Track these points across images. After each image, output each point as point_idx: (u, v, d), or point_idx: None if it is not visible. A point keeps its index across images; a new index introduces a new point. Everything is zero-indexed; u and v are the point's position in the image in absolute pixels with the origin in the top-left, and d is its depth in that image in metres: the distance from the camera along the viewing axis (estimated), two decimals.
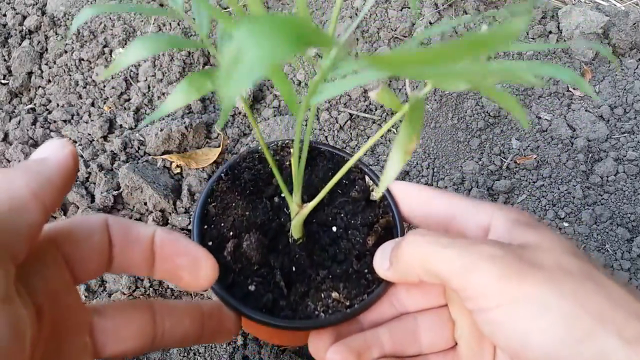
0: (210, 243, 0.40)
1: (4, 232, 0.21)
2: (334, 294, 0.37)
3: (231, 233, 0.40)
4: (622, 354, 0.24)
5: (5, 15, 0.95)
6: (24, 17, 0.94)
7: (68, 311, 0.27)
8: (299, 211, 0.38)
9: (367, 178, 0.43)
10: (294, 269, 0.40)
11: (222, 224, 0.41)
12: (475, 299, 0.28)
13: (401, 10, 0.92)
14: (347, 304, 0.37)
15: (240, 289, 0.38)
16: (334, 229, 0.42)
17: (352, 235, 0.41)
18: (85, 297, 0.72)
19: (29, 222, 0.23)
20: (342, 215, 0.42)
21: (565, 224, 0.76)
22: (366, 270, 0.39)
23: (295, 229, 0.40)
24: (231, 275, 0.38)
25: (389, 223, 0.41)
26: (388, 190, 0.40)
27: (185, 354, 0.70)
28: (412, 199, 0.38)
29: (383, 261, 0.34)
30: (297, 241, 0.41)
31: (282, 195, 0.39)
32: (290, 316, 0.36)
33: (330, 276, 0.39)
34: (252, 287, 0.38)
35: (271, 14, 0.13)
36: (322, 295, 0.38)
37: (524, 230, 0.30)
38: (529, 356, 0.26)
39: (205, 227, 0.40)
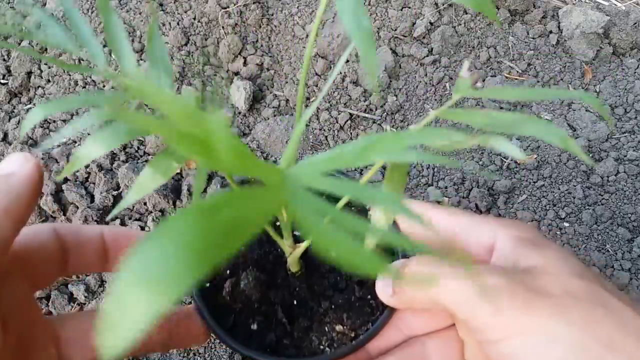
0: (207, 284, 0.39)
1: None
2: (338, 327, 0.36)
3: (228, 272, 0.39)
4: None
5: (4, 14, 0.95)
6: (24, 17, 0.94)
7: (32, 324, 0.28)
8: (292, 251, 0.37)
9: None
10: (295, 302, 0.39)
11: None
12: (482, 331, 0.27)
13: (401, 10, 0.92)
14: (352, 335, 0.36)
15: (243, 329, 0.37)
16: (333, 254, 0.40)
17: None
18: (85, 297, 0.71)
19: (0, 237, 0.24)
20: None
21: (566, 224, 0.76)
22: (369, 296, 0.38)
23: (292, 265, 0.39)
24: (232, 316, 0.38)
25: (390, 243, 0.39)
26: None
27: (185, 354, 0.70)
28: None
29: (386, 287, 0.33)
30: (295, 273, 0.40)
31: (277, 223, 0.36)
32: (295, 354, 0.36)
33: (333, 307, 0.38)
34: (254, 327, 0.37)
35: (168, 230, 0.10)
36: (326, 329, 0.37)
37: (529, 250, 0.29)
38: None
39: None
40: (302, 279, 0.39)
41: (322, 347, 0.36)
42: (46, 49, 0.91)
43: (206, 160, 0.13)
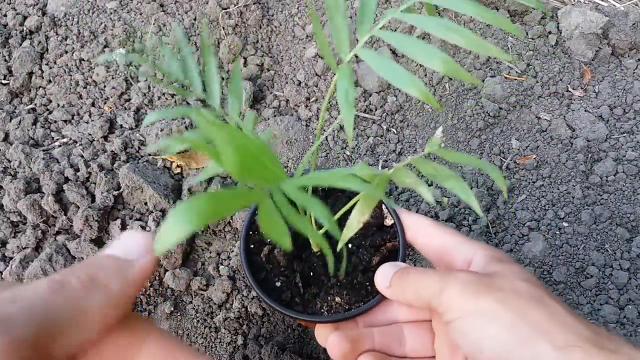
0: (252, 246, 0.50)
1: (59, 335, 0.22)
2: (337, 299, 0.47)
3: (268, 240, 0.50)
4: (552, 355, 0.30)
5: (5, 15, 0.96)
6: (25, 18, 0.94)
7: None
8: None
9: (383, 207, 0.51)
10: (311, 274, 0.49)
11: (264, 232, 0.47)
12: (445, 312, 0.35)
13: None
14: (347, 307, 0.46)
15: (268, 284, 0.49)
16: (349, 245, 0.51)
17: (361, 253, 0.50)
18: None
19: (105, 321, 0.24)
20: (357, 235, 0.50)
21: (565, 224, 0.76)
22: (367, 284, 0.47)
23: (314, 245, 0.49)
24: (263, 272, 0.49)
25: (394, 247, 0.49)
26: (399, 220, 0.48)
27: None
28: (418, 230, 0.45)
29: (384, 280, 0.41)
30: (316, 253, 0.50)
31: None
32: (301, 310, 0.47)
33: (338, 284, 0.48)
34: (278, 284, 0.48)
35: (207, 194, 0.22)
36: (329, 298, 0.47)
37: (496, 264, 0.38)
38: (485, 358, 0.33)
39: (250, 232, 0.51)
40: (321, 258, 0.49)
41: (322, 310, 0.46)
42: (47, 49, 0.92)
43: (224, 168, 0.24)
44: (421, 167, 0.36)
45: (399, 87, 0.31)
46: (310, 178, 0.30)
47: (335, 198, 0.55)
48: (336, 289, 0.47)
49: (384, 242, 0.51)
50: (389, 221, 0.51)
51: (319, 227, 0.49)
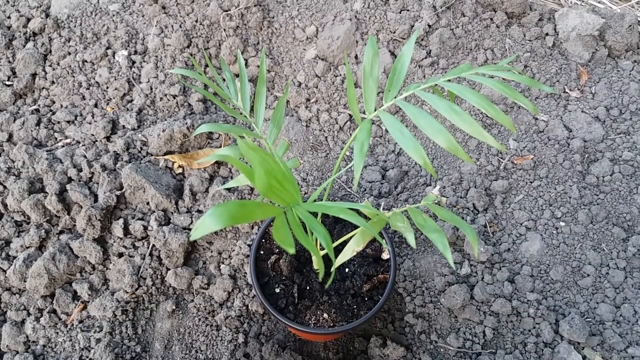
0: (262, 252, 0.58)
1: None
2: (325, 315, 0.54)
3: (277, 250, 0.58)
4: None
5: (9, 17, 0.96)
6: (28, 20, 0.95)
7: None
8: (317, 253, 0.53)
9: (384, 242, 0.57)
10: (307, 288, 0.56)
11: (274, 242, 0.58)
12: None
13: (400, 13, 0.93)
14: (332, 324, 0.53)
15: (269, 288, 0.56)
16: (347, 270, 0.58)
17: (355, 279, 0.57)
18: (89, 295, 0.73)
19: None
20: (355, 263, 0.58)
21: (562, 224, 0.77)
22: (354, 307, 0.55)
23: (316, 263, 0.55)
24: (267, 278, 0.57)
25: (385, 279, 0.56)
26: (394, 256, 0.55)
27: (187, 352, 0.71)
28: None
29: None
30: (316, 270, 0.57)
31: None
32: (292, 319, 0.54)
33: (329, 302, 0.55)
34: (277, 290, 0.55)
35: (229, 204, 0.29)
36: (318, 313, 0.54)
37: None
38: None
39: (263, 240, 0.59)
40: (319, 275, 0.55)
41: (310, 322, 0.53)
42: (50, 51, 0.93)
43: (259, 189, 0.30)
44: (413, 216, 0.42)
45: (405, 150, 0.36)
46: (319, 206, 0.36)
47: (344, 224, 0.62)
48: (326, 306, 0.55)
49: (377, 273, 0.57)
50: (385, 255, 0.58)
51: (321, 248, 0.57)
